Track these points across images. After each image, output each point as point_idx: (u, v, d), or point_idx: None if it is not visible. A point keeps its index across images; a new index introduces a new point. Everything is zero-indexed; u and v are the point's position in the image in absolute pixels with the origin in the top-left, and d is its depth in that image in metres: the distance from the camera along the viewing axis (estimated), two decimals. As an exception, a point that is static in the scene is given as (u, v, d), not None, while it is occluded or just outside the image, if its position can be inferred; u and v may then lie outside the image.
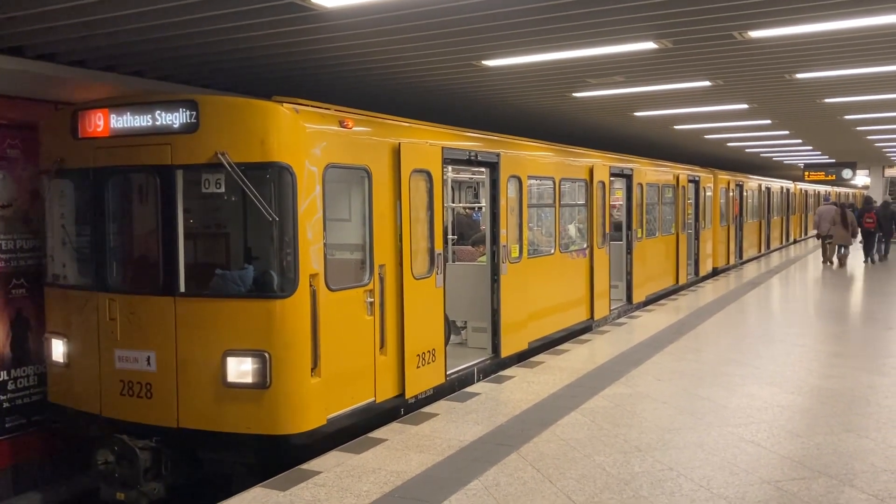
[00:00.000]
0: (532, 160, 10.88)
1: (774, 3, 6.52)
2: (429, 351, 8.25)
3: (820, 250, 24.48)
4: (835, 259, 23.04)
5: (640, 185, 15.01)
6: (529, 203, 10.83)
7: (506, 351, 9.85)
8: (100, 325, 7.03)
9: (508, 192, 9.97)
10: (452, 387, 8.73)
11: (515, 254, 10.12)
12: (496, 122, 13.95)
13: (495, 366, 9.64)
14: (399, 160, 7.74)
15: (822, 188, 46.13)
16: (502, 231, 9.75)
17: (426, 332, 8.21)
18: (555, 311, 11.50)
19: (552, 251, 11.65)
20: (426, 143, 8.34)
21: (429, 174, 8.30)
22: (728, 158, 27.95)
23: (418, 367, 8.05)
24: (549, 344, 11.03)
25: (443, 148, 8.56)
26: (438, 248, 8.44)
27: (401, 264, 7.76)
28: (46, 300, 7.70)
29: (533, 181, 11.09)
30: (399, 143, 7.78)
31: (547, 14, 6.66)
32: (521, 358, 10.14)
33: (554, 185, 11.59)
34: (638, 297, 14.98)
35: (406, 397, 7.86)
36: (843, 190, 54.30)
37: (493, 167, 9.69)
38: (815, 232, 27.82)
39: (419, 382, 8.09)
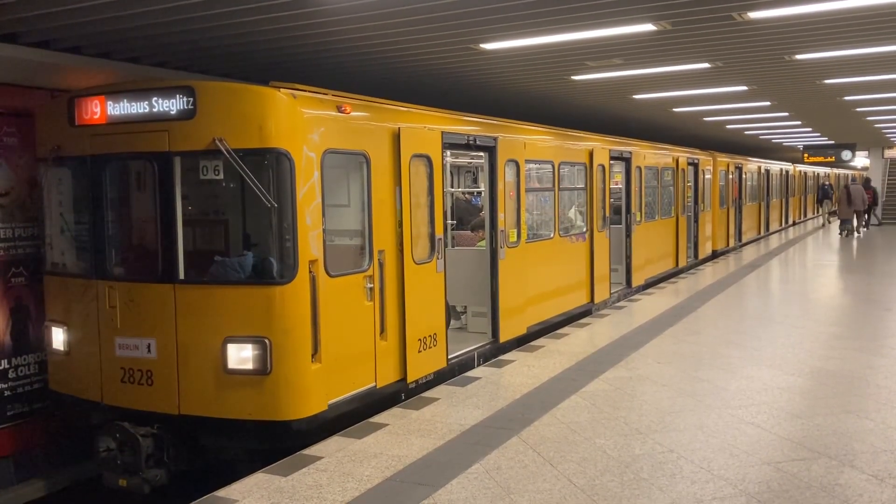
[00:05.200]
0: (530, 144, 10.83)
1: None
2: (430, 335, 8.26)
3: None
4: (845, 231, 27.00)
5: (639, 168, 14.97)
6: (529, 187, 10.79)
7: (504, 336, 9.86)
8: (99, 313, 7.03)
9: (506, 176, 9.93)
10: (453, 371, 8.75)
11: (513, 238, 10.09)
12: (495, 106, 13.88)
13: (495, 350, 9.65)
14: (399, 145, 7.72)
15: (821, 170, 46.06)
16: (500, 216, 9.71)
17: (427, 317, 8.22)
18: (554, 295, 11.49)
19: (551, 235, 11.63)
20: (425, 127, 8.31)
21: (429, 159, 8.27)
22: (728, 141, 27.89)
23: (420, 351, 8.07)
24: (548, 328, 11.04)
25: (442, 132, 8.53)
26: (439, 233, 8.43)
27: (401, 249, 7.75)
28: (46, 288, 7.69)
29: (531, 165, 11.05)
30: (399, 128, 7.75)
31: (545, -4, 6.62)
32: (520, 343, 10.15)
33: (553, 169, 11.55)
34: (637, 280, 14.98)
35: (407, 381, 7.88)
36: (842, 171, 54.21)
37: (491, 151, 9.66)
38: (818, 212, 36.02)
39: (421, 367, 8.11)
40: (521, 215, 10.32)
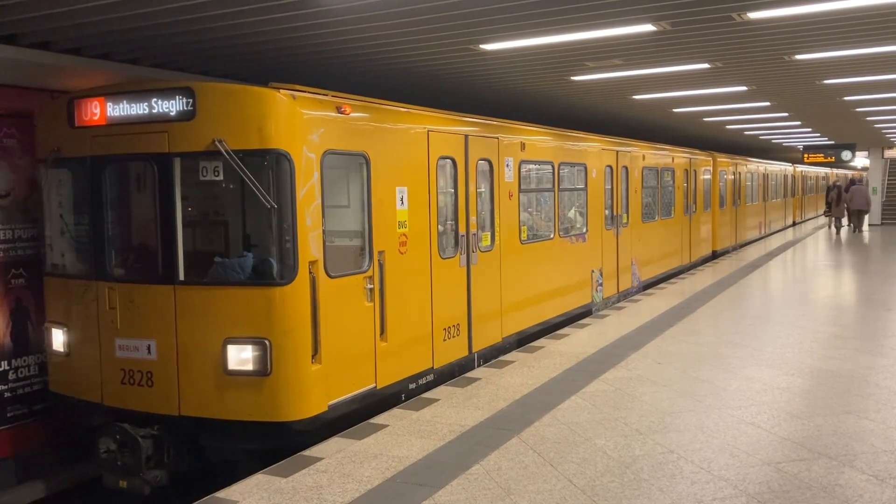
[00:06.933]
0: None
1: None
2: (454, 325, 8.65)
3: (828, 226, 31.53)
4: (834, 228, 29.43)
5: (625, 167, 14.78)
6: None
7: (476, 346, 9.34)
8: (99, 314, 7.03)
9: (477, 176, 9.46)
10: (450, 372, 8.78)
11: (487, 242, 9.62)
12: (494, 106, 13.88)
13: (468, 363, 9.22)
14: (428, 148, 8.19)
15: (822, 170, 46.10)
16: (472, 218, 9.20)
17: (452, 309, 8.67)
18: (548, 298, 11.35)
19: (551, 236, 11.58)
20: (422, 128, 8.33)
21: (453, 161, 8.68)
22: (728, 141, 27.89)
23: (445, 340, 8.49)
24: (542, 332, 10.94)
25: (466, 136, 8.95)
26: (462, 231, 8.88)
27: (430, 245, 8.25)
28: (46, 289, 7.69)
29: (529, 166, 10.98)
30: (427, 131, 8.20)
31: (544, -4, 6.62)
32: (500, 352, 9.71)
33: (553, 170, 11.52)
34: (623, 283, 14.52)
35: (434, 367, 8.32)
36: (842, 171, 54.25)
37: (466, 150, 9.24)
38: (821, 212, 38.34)
39: (446, 354, 8.55)
40: (496, 218, 9.78)
